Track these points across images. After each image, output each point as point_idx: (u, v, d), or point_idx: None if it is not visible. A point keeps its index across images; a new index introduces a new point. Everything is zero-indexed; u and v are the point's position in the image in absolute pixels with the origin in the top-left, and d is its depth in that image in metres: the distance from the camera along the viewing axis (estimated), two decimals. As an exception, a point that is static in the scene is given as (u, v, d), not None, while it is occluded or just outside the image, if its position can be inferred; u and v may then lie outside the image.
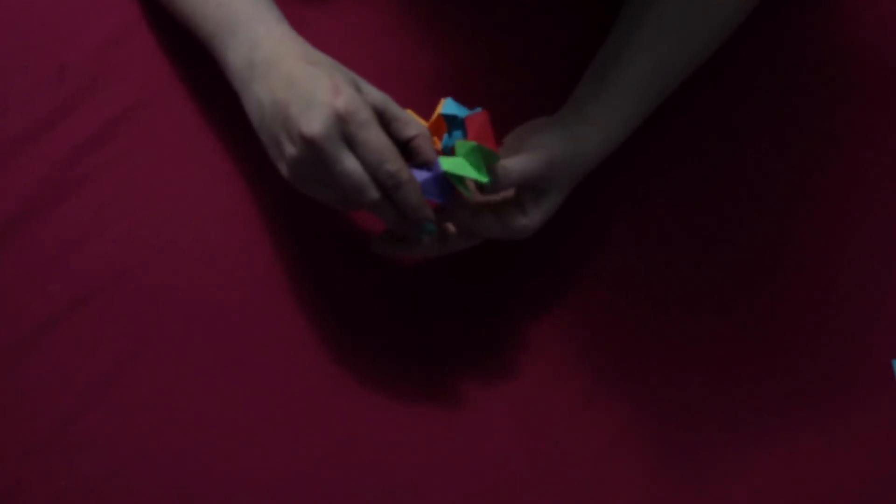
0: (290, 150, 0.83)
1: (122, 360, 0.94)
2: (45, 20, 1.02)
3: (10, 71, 1.00)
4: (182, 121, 1.00)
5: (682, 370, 0.95)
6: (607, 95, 0.93)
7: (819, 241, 0.99)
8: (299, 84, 0.83)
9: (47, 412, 0.92)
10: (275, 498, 0.91)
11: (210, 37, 0.90)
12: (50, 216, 0.97)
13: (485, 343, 0.96)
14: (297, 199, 0.97)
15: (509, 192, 0.90)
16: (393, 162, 0.82)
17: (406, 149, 0.85)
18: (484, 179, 0.85)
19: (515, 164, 0.87)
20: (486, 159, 0.85)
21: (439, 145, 0.87)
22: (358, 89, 0.84)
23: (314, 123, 0.81)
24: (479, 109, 0.86)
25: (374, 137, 0.82)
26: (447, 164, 0.85)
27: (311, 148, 0.82)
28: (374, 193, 0.83)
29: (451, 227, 0.91)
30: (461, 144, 0.85)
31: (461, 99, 0.88)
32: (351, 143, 0.82)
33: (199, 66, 0.99)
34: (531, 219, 0.89)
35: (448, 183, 0.86)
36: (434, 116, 0.87)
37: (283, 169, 0.85)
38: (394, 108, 0.85)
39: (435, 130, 0.87)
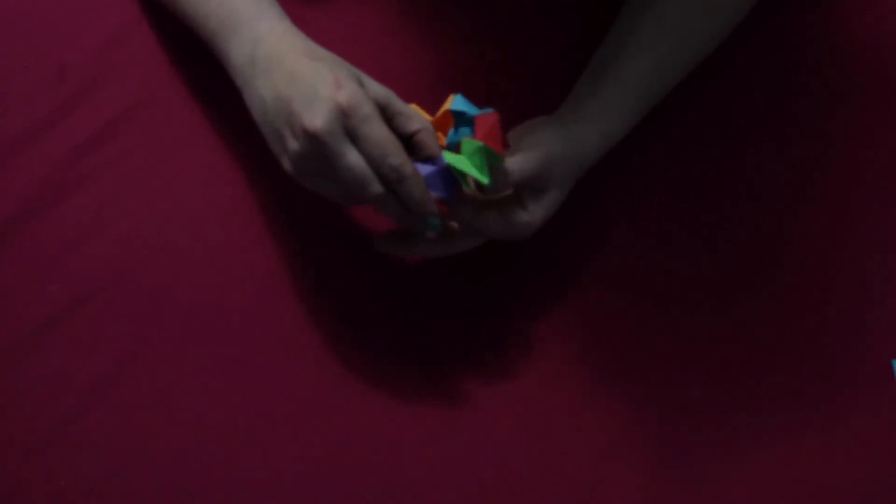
0: (293, 145, 0.83)
1: (122, 360, 0.94)
2: (45, 20, 1.02)
3: (10, 71, 1.00)
4: (182, 121, 1.00)
5: (682, 370, 0.95)
6: (605, 93, 0.93)
7: (819, 241, 0.99)
8: (302, 79, 0.83)
9: (47, 412, 0.92)
10: (275, 498, 0.91)
11: (212, 35, 0.90)
12: (50, 216, 0.97)
13: (485, 343, 0.96)
14: (298, 198, 0.97)
15: (509, 191, 0.90)
16: (396, 156, 0.82)
17: (410, 143, 0.85)
18: (485, 180, 0.85)
19: (512, 163, 0.87)
20: (490, 160, 0.85)
21: (444, 141, 0.87)
22: (361, 84, 0.84)
23: (317, 118, 0.81)
24: (490, 110, 0.86)
25: (377, 131, 0.82)
26: (450, 158, 0.85)
27: (314, 142, 0.82)
28: (377, 187, 0.83)
29: (454, 226, 0.91)
30: (468, 143, 0.84)
31: (461, 99, 0.88)
32: (354, 137, 0.82)
33: (199, 65, 0.99)
34: (532, 216, 0.89)
35: (452, 177, 0.86)
36: (441, 112, 0.87)
37: (287, 164, 0.85)
38: (397, 102, 0.85)
39: (440, 126, 0.87)
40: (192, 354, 0.94)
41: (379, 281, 0.96)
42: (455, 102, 0.86)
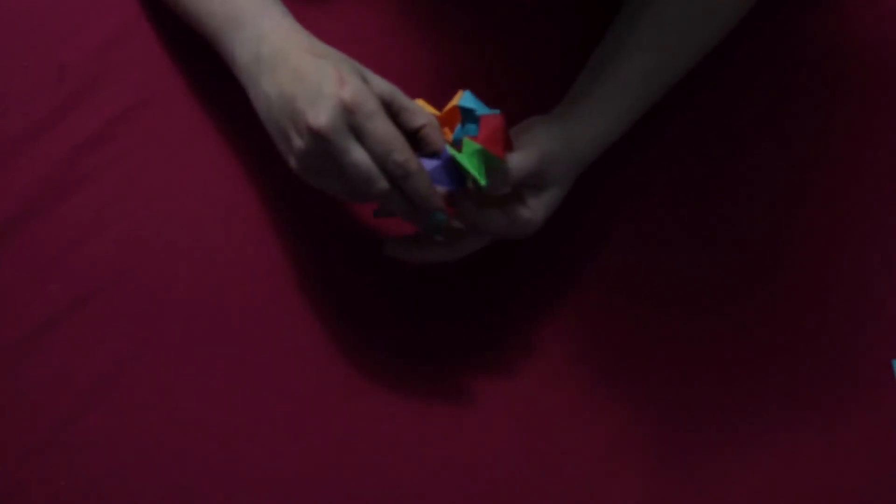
0: (298, 142, 0.83)
1: (122, 360, 0.94)
2: (45, 20, 1.02)
3: (10, 71, 1.00)
4: (182, 120, 1.00)
5: (682, 370, 0.95)
6: (603, 92, 0.93)
7: (819, 241, 0.99)
8: (306, 77, 0.83)
9: (47, 412, 0.92)
10: (275, 498, 0.91)
11: (216, 33, 0.90)
12: (50, 216, 0.97)
13: (485, 343, 0.96)
14: (298, 198, 0.97)
15: (508, 190, 0.90)
16: (401, 152, 0.82)
17: (415, 139, 0.85)
18: (482, 182, 0.84)
19: (510, 161, 0.87)
20: (488, 163, 0.85)
21: (450, 136, 0.87)
22: (365, 80, 0.84)
23: (321, 115, 0.81)
24: (497, 111, 0.86)
25: (382, 128, 0.82)
26: (455, 154, 0.85)
27: (319, 140, 0.82)
28: (382, 184, 0.82)
29: (458, 226, 0.91)
30: (468, 143, 0.84)
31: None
32: (358, 133, 0.82)
33: (199, 65, 0.99)
34: (535, 214, 0.90)
35: (458, 170, 0.85)
36: (448, 107, 0.86)
37: (292, 162, 0.85)
38: (401, 98, 0.85)
39: (448, 121, 0.87)
40: (192, 354, 0.94)
41: (379, 281, 0.96)
42: (464, 99, 0.86)
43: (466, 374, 0.95)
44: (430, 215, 0.84)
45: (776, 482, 0.93)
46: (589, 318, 0.97)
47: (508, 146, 0.88)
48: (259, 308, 0.95)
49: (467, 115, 0.85)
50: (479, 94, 0.88)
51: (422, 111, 0.85)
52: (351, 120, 0.81)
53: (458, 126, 0.86)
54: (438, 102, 0.90)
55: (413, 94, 0.88)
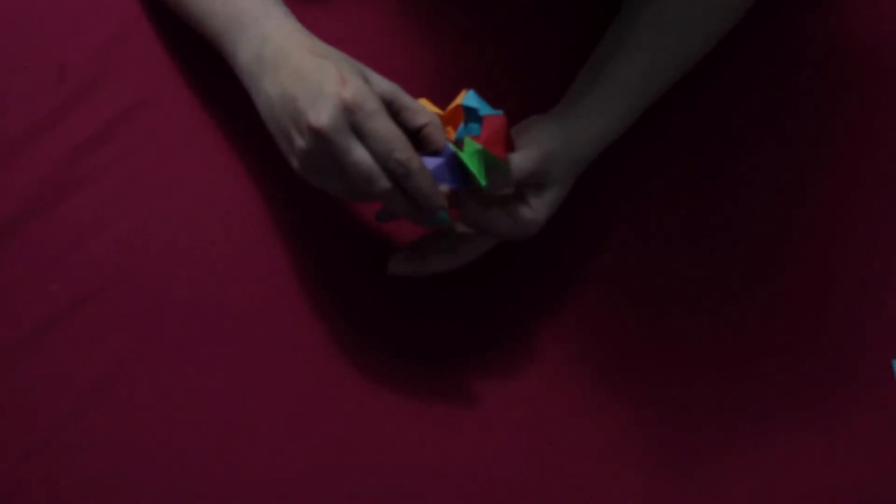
0: (300, 142, 0.83)
1: (122, 360, 0.94)
2: (45, 20, 1.02)
3: (10, 71, 1.00)
4: (182, 120, 1.00)
5: (682, 370, 0.95)
6: (603, 91, 0.93)
7: (819, 241, 0.99)
8: (307, 76, 0.83)
9: (47, 412, 0.92)
10: (275, 498, 0.91)
11: (218, 34, 0.90)
12: (50, 216, 0.97)
13: (485, 343, 0.96)
14: (298, 198, 0.97)
15: (510, 190, 0.90)
16: (402, 150, 0.82)
17: (417, 138, 0.85)
18: (482, 182, 0.84)
19: (510, 163, 0.87)
20: (489, 163, 0.85)
21: (453, 135, 0.86)
22: (366, 80, 0.84)
23: (322, 115, 0.81)
24: (500, 112, 0.86)
25: (383, 126, 0.82)
26: (457, 152, 0.85)
27: (320, 139, 0.82)
28: (384, 183, 0.82)
29: (460, 228, 0.92)
30: (469, 143, 0.84)
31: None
32: (359, 133, 0.82)
33: (199, 65, 0.99)
34: (537, 213, 0.90)
35: (461, 168, 0.85)
36: (452, 106, 0.86)
37: (294, 162, 0.85)
38: (403, 97, 0.85)
39: (450, 120, 0.87)
40: (192, 354, 0.94)
41: (379, 281, 0.96)
42: (467, 98, 0.85)
43: (466, 375, 0.95)
44: (432, 214, 0.84)
45: (776, 482, 0.93)
46: (589, 318, 0.97)
47: (510, 147, 0.88)
48: (259, 308, 0.95)
49: (470, 114, 0.85)
50: (478, 93, 0.88)
51: (424, 110, 0.85)
52: (352, 119, 0.81)
53: (462, 125, 0.86)
54: (439, 103, 0.90)
55: (414, 94, 0.88)
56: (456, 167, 0.85)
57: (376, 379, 0.94)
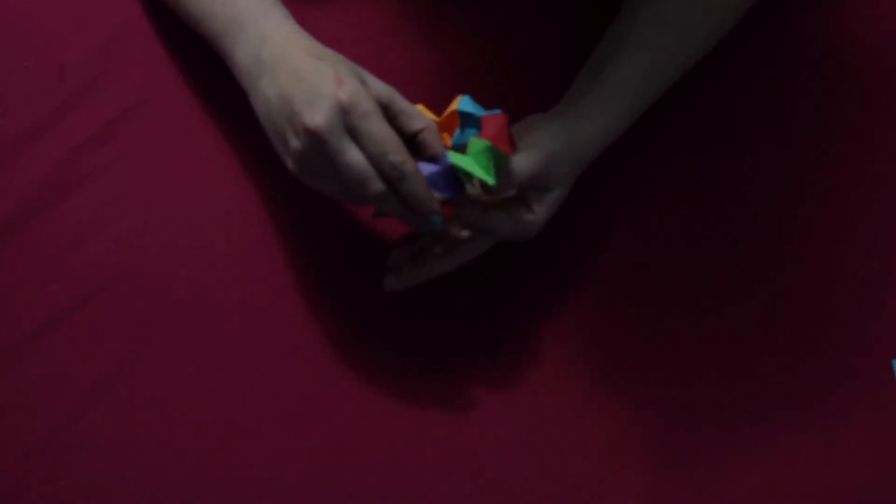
0: (295, 143, 0.83)
1: (122, 360, 0.94)
2: (45, 20, 1.02)
3: (10, 71, 1.00)
4: (182, 121, 1.00)
5: (682, 370, 0.95)
6: (603, 90, 0.93)
7: (819, 241, 0.99)
8: (304, 78, 0.83)
9: (47, 412, 0.92)
10: (274, 498, 0.91)
11: (218, 35, 0.90)
12: (50, 216, 0.97)
13: (485, 343, 0.96)
14: (298, 198, 0.97)
15: (512, 192, 0.90)
16: (397, 153, 0.82)
17: (413, 143, 0.85)
18: (491, 181, 0.84)
19: (513, 164, 0.87)
20: (496, 161, 0.85)
21: (449, 141, 0.86)
22: (363, 82, 0.84)
23: (317, 115, 0.81)
24: (497, 111, 0.86)
25: (378, 129, 0.82)
26: (455, 159, 0.85)
27: (315, 140, 0.82)
28: (378, 185, 0.82)
29: (458, 232, 0.92)
30: (475, 142, 0.84)
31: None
32: (354, 134, 0.82)
33: (199, 65, 0.99)
34: (537, 214, 0.90)
35: (455, 177, 0.85)
36: (447, 112, 0.86)
37: (290, 164, 0.85)
38: (400, 101, 0.85)
39: (446, 126, 0.87)
40: (192, 354, 0.94)
41: (379, 281, 0.96)
42: (462, 103, 0.85)
43: (466, 375, 0.95)
44: (426, 219, 0.84)
45: (776, 482, 0.93)
46: (589, 318, 0.97)
47: (513, 145, 0.88)
48: (259, 308, 0.95)
49: (466, 119, 0.85)
50: (479, 94, 0.88)
51: (420, 115, 0.85)
52: (347, 120, 0.82)
53: (458, 131, 0.86)
54: (438, 103, 0.90)
55: (413, 95, 0.88)
56: (452, 177, 0.85)
57: (376, 379, 0.94)
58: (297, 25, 0.89)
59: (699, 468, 0.93)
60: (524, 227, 0.89)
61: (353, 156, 0.82)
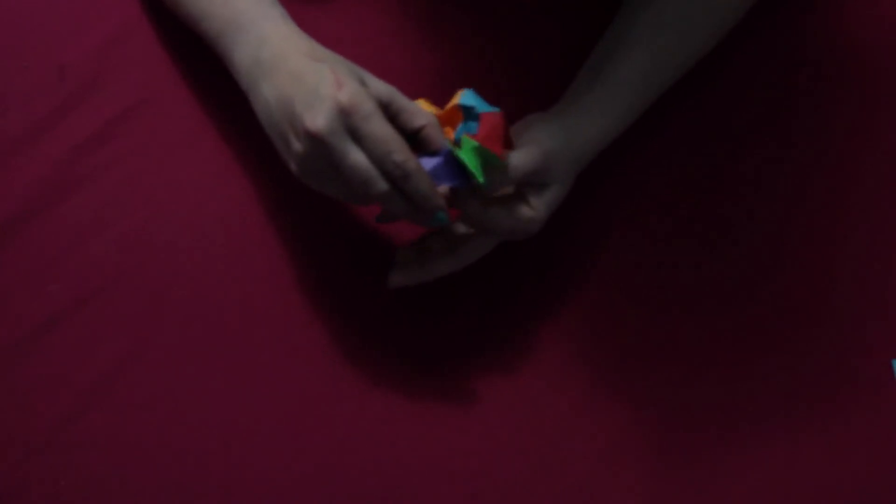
0: (297, 146, 0.83)
1: (122, 360, 0.94)
2: (45, 20, 1.02)
3: (10, 71, 1.00)
4: (182, 121, 1.00)
5: (682, 370, 0.95)
6: (603, 89, 0.93)
7: (819, 241, 0.99)
8: (304, 80, 0.83)
9: (47, 412, 0.92)
10: (274, 498, 0.91)
11: (217, 35, 0.90)
12: (50, 216, 0.97)
13: (485, 343, 0.96)
14: (298, 198, 0.97)
15: (510, 189, 0.90)
16: (399, 152, 0.82)
17: (415, 140, 0.85)
18: (480, 180, 0.84)
19: (511, 160, 0.87)
20: (486, 161, 0.85)
21: (452, 135, 0.86)
22: (363, 83, 0.84)
23: (318, 118, 0.81)
24: (497, 109, 0.86)
25: (379, 129, 0.82)
26: (456, 151, 0.85)
27: (317, 143, 0.82)
28: (382, 185, 0.82)
29: (460, 228, 0.92)
30: (466, 141, 0.84)
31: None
32: (356, 135, 0.82)
33: (199, 65, 0.99)
34: (537, 212, 0.89)
35: (459, 166, 0.85)
36: (449, 106, 0.86)
37: (292, 166, 0.85)
38: (400, 99, 0.85)
39: (448, 120, 0.87)
40: (192, 354, 0.94)
41: (379, 280, 0.96)
42: (464, 97, 0.85)
43: (466, 375, 0.95)
44: (432, 215, 0.84)
45: (776, 482, 0.93)
46: (589, 318, 0.97)
47: (508, 144, 0.88)
48: (259, 308, 0.95)
49: (468, 113, 0.85)
50: (478, 93, 0.88)
51: (421, 112, 0.85)
52: (348, 122, 0.82)
53: (460, 125, 0.86)
54: (439, 103, 0.90)
55: (413, 95, 0.88)
56: (455, 166, 0.85)
57: (376, 379, 0.94)
58: (296, 26, 0.89)
59: (699, 468, 0.93)
60: (524, 225, 0.89)
61: (356, 157, 0.82)
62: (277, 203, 0.98)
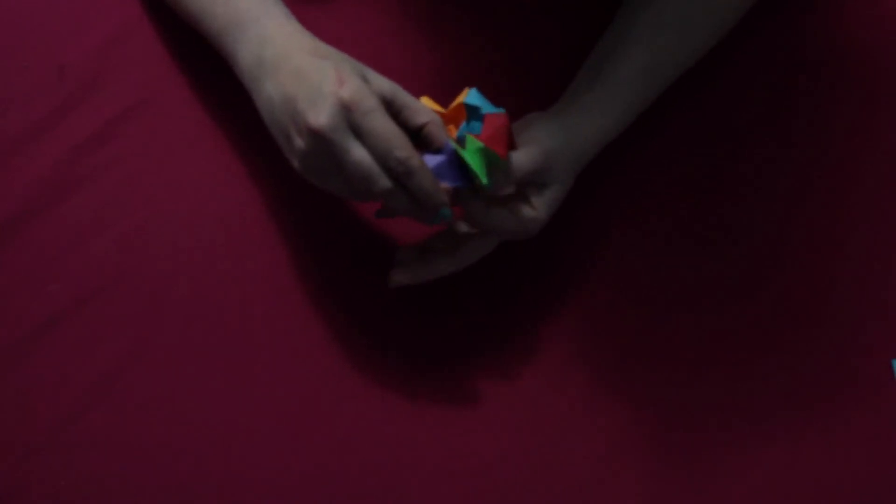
0: (300, 143, 0.83)
1: (122, 360, 0.94)
2: (45, 20, 1.02)
3: (10, 71, 1.00)
4: (182, 121, 1.00)
5: (682, 370, 0.95)
6: (602, 88, 0.93)
7: (819, 241, 0.99)
8: (307, 77, 0.83)
9: (47, 412, 0.92)
10: (274, 498, 0.91)
11: (219, 34, 0.90)
12: (50, 216, 0.97)
13: (485, 343, 0.96)
14: (298, 198, 0.97)
15: (511, 189, 0.90)
16: (402, 149, 0.82)
17: (418, 137, 0.85)
18: (483, 181, 0.84)
19: (512, 160, 0.87)
20: (490, 162, 0.85)
21: (455, 134, 0.86)
22: (366, 80, 0.84)
23: (321, 115, 0.81)
24: (501, 110, 0.86)
25: (381, 125, 0.82)
26: (460, 151, 0.85)
27: (319, 140, 0.82)
28: (384, 182, 0.82)
29: (461, 228, 0.92)
30: (471, 141, 0.84)
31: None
32: (358, 132, 0.82)
33: (199, 65, 0.99)
34: (538, 211, 0.90)
35: (463, 165, 0.85)
36: (454, 104, 0.86)
37: (295, 163, 0.85)
38: (403, 96, 0.85)
39: (452, 118, 0.87)
40: (193, 354, 0.94)
41: (380, 280, 0.96)
42: (469, 96, 0.85)
43: (466, 375, 0.95)
44: (435, 212, 0.84)
45: (776, 482, 0.93)
46: (589, 317, 0.97)
47: (511, 145, 0.88)
48: (259, 308, 0.95)
49: (472, 112, 0.85)
50: (480, 91, 0.88)
51: (424, 109, 0.85)
52: (350, 118, 0.81)
53: (464, 123, 0.86)
54: (439, 103, 0.90)
55: (414, 94, 0.88)
56: (457, 165, 0.85)
57: (377, 379, 0.94)
58: (299, 24, 0.89)
59: (699, 468, 0.93)
60: (525, 225, 0.89)
61: (359, 154, 0.82)
62: (278, 203, 0.98)
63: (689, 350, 0.96)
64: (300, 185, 0.90)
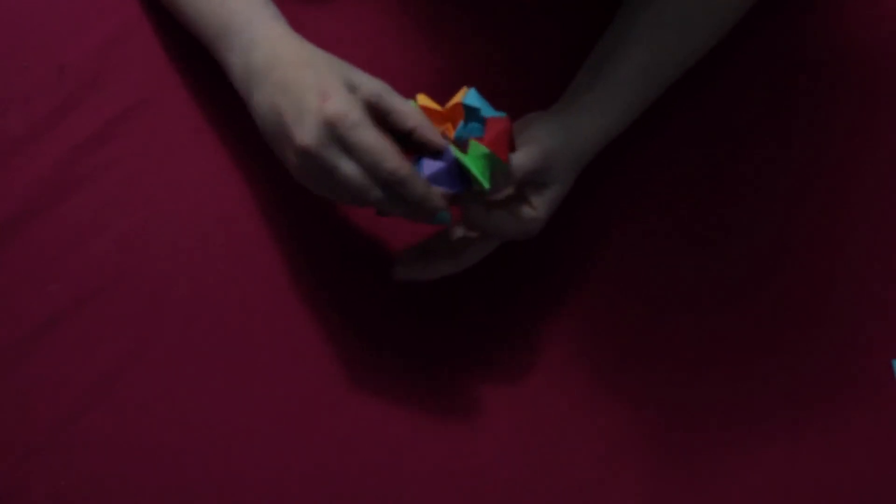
0: (291, 158, 0.83)
1: (122, 360, 0.94)
2: (45, 20, 1.02)
3: (10, 71, 1.00)
4: (182, 121, 1.00)
5: (683, 370, 0.95)
6: (602, 87, 0.93)
7: (819, 241, 0.99)
8: (290, 90, 0.83)
9: (47, 412, 0.92)
10: (274, 498, 0.91)
11: (212, 41, 0.91)
12: (50, 216, 0.97)
13: (485, 343, 0.96)
14: (298, 198, 0.97)
15: (510, 190, 0.90)
16: (390, 160, 0.82)
17: (411, 139, 0.85)
18: (486, 185, 0.84)
19: (512, 160, 0.87)
20: (493, 167, 0.85)
21: (452, 133, 0.86)
22: (352, 84, 0.84)
23: (306, 135, 0.81)
24: (503, 114, 0.85)
25: (367, 139, 0.81)
26: (458, 155, 0.84)
27: (308, 157, 0.82)
28: (376, 193, 0.82)
29: (461, 232, 0.92)
30: (475, 146, 0.84)
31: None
32: (345, 146, 0.82)
33: (199, 65, 0.99)
34: (538, 211, 0.89)
35: (461, 171, 0.85)
36: (452, 103, 0.86)
37: (292, 173, 0.85)
38: (390, 99, 0.84)
39: (449, 117, 0.86)
40: (193, 354, 0.94)
41: (379, 281, 0.96)
42: (468, 97, 0.85)
43: (467, 375, 0.95)
44: (432, 216, 0.84)
45: (776, 482, 0.93)
46: (589, 317, 0.97)
47: (511, 147, 0.87)
48: (259, 308, 0.95)
49: (471, 113, 0.85)
50: (479, 92, 0.87)
51: (412, 112, 0.84)
52: (336, 133, 0.81)
53: (461, 124, 0.85)
54: (438, 102, 0.90)
55: (413, 95, 0.87)
56: (458, 171, 0.85)
57: (376, 379, 0.94)
58: (287, 26, 0.89)
59: (699, 468, 0.93)
60: (526, 225, 0.89)
61: (348, 168, 0.82)
62: (277, 203, 0.98)
63: (689, 350, 0.96)
64: (300, 185, 0.90)
